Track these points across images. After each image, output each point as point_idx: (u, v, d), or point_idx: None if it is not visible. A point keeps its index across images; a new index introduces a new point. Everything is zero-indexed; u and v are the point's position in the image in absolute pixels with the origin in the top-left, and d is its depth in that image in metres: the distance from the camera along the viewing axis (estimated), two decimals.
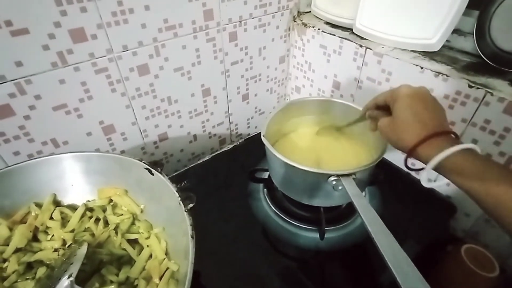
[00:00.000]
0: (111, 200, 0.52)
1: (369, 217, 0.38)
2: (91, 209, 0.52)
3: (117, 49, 0.54)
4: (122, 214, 0.51)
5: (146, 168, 0.47)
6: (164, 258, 0.45)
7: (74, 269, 0.40)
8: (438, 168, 0.34)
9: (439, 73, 0.52)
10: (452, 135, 0.36)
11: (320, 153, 0.59)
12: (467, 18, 0.54)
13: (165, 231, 0.48)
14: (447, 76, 0.52)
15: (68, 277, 0.39)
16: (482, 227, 0.58)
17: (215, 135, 0.81)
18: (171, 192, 0.44)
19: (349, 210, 0.59)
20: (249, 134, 0.88)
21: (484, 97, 0.48)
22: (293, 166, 0.47)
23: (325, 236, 0.54)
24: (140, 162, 0.47)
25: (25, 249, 0.46)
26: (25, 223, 0.48)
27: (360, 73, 0.65)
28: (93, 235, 0.49)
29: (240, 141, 0.79)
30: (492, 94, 0.47)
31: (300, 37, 0.76)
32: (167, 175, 0.46)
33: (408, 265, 0.33)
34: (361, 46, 0.63)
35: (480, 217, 0.57)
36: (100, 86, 0.55)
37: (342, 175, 0.45)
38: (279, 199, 0.62)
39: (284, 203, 0.61)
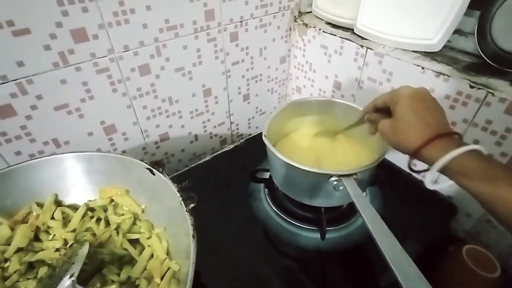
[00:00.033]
0: (112, 200, 0.53)
1: (370, 217, 0.38)
2: (92, 209, 0.52)
3: (118, 49, 0.54)
4: (123, 214, 0.51)
5: (148, 168, 0.47)
6: (166, 258, 0.45)
7: (76, 268, 0.40)
8: (443, 170, 0.34)
9: (440, 73, 0.52)
10: (456, 136, 0.36)
11: (321, 153, 0.59)
12: (468, 19, 0.54)
13: (166, 231, 0.48)
14: (448, 76, 0.51)
15: (70, 277, 0.39)
16: (483, 227, 0.58)
17: (216, 135, 0.81)
18: (172, 192, 0.44)
19: (350, 211, 0.59)
20: (250, 134, 0.88)
21: (485, 97, 0.48)
22: (294, 166, 0.47)
23: (326, 237, 0.54)
24: (141, 162, 0.48)
25: (27, 249, 0.46)
26: (27, 222, 0.48)
27: (361, 73, 0.65)
28: (94, 235, 0.49)
29: (241, 141, 0.79)
30: (493, 95, 0.47)
31: (301, 37, 0.76)
32: (168, 175, 0.46)
33: (409, 265, 0.32)
34: (362, 46, 0.63)
35: (481, 218, 0.57)
36: (101, 86, 0.55)
37: (343, 175, 0.45)
38: (280, 199, 0.62)
39: (285, 203, 0.61)
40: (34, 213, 0.49)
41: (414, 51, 0.58)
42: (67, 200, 0.52)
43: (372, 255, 0.53)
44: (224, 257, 0.53)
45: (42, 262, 0.46)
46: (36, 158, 0.48)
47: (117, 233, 0.49)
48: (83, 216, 0.50)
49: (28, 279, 0.44)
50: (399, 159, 0.65)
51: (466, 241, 0.53)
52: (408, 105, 0.37)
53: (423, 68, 0.54)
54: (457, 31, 0.56)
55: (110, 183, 0.52)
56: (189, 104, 0.70)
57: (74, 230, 0.49)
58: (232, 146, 0.78)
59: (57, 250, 0.47)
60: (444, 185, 0.37)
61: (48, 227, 0.49)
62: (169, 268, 0.44)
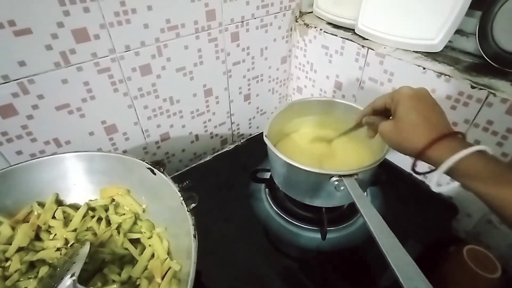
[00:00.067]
0: (113, 200, 0.53)
1: (371, 217, 0.38)
2: (93, 209, 0.52)
3: (120, 49, 0.54)
4: (124, 214, 0.51)
5: (149, 168, 0.47)
6: (166, 258, 0.45)
7: (77, 268, 0.40)
8: (449, 172, 0.33)
9: (442, 73, 0.52)
10: (459, 136, 0.35)
11: (322, 153, 0.59)
12: (469, 19, 0.54)
13: (167, 231, 0.48)
14: (449, 76, 0.51)
15: (71, 276, 0.39)
16: (484, 228, 0.57)
17: (216, 135, 0.81)
18: (173, 192, 0.44)
19: (350, 211, 0.59)
20: (250, 134, 0.88)
21: (486, 97, 0.48)
22: (295, 167, 0.47)
23: (326, 237, 0.54)
24: (142, 162, 0.48)
25: (28, 248, 0.46)
26: (28, 222, 0.48)
27: (362, 73, 0.65)
28: (95, 234, 0.49)
29: (242, 141, 0.79)
30: (495, 95, 0.47)
31: (302, 37, 0.76)
32: (168, 175, 0.46)
33: (410, 265, 0.32)
34: (363, 46, 0.63)
35: (482, 218, 0.57)
36: (103, 86, 0.55)
37: (344, 176, 0.45)
38: (280, 199, 0.62)
39: (285, 203, 0.61)
40: (35, 213, 0.49)
41: (415, 52, 0.58)
42: (68, 200, 0.52)
43: (372, 255, 0.53)
44: (224, 257, 0.53)
45: (43, 262, 0.46)
46: (37, 158, 0.48)
47: (118, 232, 0.49)
48: (84, 216, 0.50)
49: (29, 278, 0.44)
50: (400, 159, 0.65)
51: (467, 242, 0.53)
52: (410, 106, 0.36)
53: (424, 68, 0.54)
54: (459, 31, 0.56)
55: (111, 182, 0.52)
56: (190, 104, 0.70)
57: (75, 230, 0.49)
58: (232, 146, 0.78)
59: (58, 249, 0.47)
60: (449, 187, 0.36)
61: (49, 227, 0.49)
62: (170, 268, 0.44)
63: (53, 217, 0.49)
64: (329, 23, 0.72)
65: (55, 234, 0.48)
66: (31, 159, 0.48)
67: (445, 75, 0.52)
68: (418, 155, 0.35)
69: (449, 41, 0.56)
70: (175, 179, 0.46)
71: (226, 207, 0.62)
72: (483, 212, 0.57)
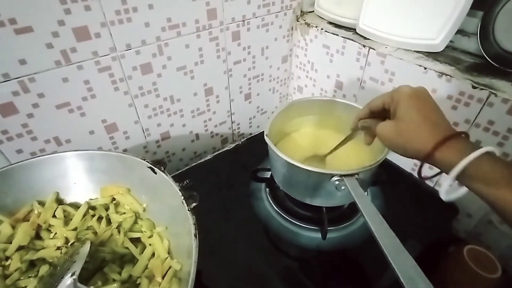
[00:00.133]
0: (113, 199, 0.53)
1: (372, 217, 0.38)
2: (93, 208, 0.52)
3: (121, 47, 0.54)
4: (124, 213, 0.51)
5: (149, 167, 0.47)
6: (167, 257, 0.45)
7: (77, 267, 0.40)
8: (458, 175, 0.30)
9: (443, 73, 0.52)
10: (463, 135, 0.33)
11: (322, 153, 0.59)
12: (471, 19, 0.53)
13: (167, 230, 0.48)
14: (450, 76, 0.51)
15: (71, 275, 0.39)
16: (485, 228, 0.58)
17: (217, 134, 0.81)
18: (174, 191, 0.44)
19: (351, 210, 0.59)
20: (251, 134, 0.88)
21: (487, 98, 0.48)
22: (296, 166, 0.47)
23: (327, 236, 0.54)
24: (143, 161, 0.47)
25: (28, 247, 0.46)
26: (28, 221, 0.48)
27: (363, 73, 0.65)
28: (95, 233, 0.49)
29: (242, 140, 0.79)
30: (496, 95, 0.47)
31: (303, 36, 0.76)
32: (169, 174, 0.46)
33: (411, 265, 0.32)
34: (364, 46, 0.62)
35: (482, 218, 0.57)
36: (103, 84, 0.55)
37: (345, 175, 0.45)
38: (281, 198, 0.62)
39: (286, 202, 0.61)
40: (36, 211, 0.49)
41: (416, 51, 0.58)
42: (69, 199, 0.52)
43: (373, 255, 0.52)
44: (224, 256, 0.53)
45: (43, 261, 0.46)
46: (37, 156, 0.48)
47: (119, 231, 0.49)
48: (85, 215, 0.50)
49: (29, 277, 0.44)
50: (401, 159, 0.65)
51: (467, 242, 0.53)
52: (412, 105, 0.35)
53: (425, 68, 0.54)
54: (460, 31, 0.56)
55: (111, 181, 0.52)
56: (190, 103, 0.70)
57: (75, 229, 0.49)
58: (233, 145, 0.78)
59: (58, 248, 0.47)
60: (458, 195, 0.33)
61: (50, 226, 0.49)
62: (170, 267, 0.44)
63: (54, 216, 0.49)
64: (330, 23, 0.72)
65: (56, 233, 0.48)
66: (32, 158, 0.48)
67: (446, 75, 0.52)
68: (426, 158, 0.33)
69: (451, 41, 0.55)
70: (176, 178, 0.45)
71: (226, 207, 0.62)
72: (484, 212, 0.57)
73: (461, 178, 0.31)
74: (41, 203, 0.50)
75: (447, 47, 0.55)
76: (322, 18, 0.74)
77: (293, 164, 0.47)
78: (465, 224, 0.60)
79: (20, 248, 0.45)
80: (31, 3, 0.43)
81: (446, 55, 0.57)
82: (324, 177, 0.47)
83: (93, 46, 0.51)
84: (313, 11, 0.77)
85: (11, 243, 0.45)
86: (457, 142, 0.32)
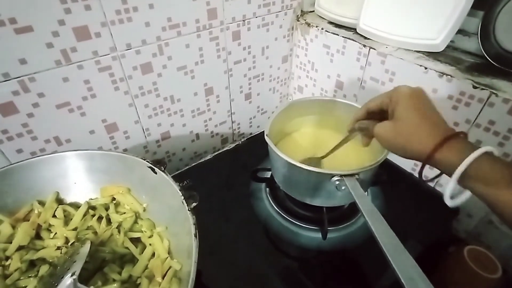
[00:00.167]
0: (113, 199, 0.53)
1: (372, 217, 0.38)
2: (93, 208, 0.52)
3: (121, 47, 0.54)
4: (124, 213, 0.51)
5: (149, 167, 0.47)
6: (167, 257, 0.45)
7: (77, 267, 0.40)
8: (460, 177, 0.30)
9: (443, 73, 0.52)
10: (462, 135, 0.33)
11: (323, 153, 0.59)
12: (471, 19, 0.53)
13: (167, 230, 0.48)
14: (451, 76, 0.51)
15: (71, 275, 0.39)
16: (485, 228, 0.57)
17: (217, 134, 0.80)
18: (174, 191, 0.44)
19: (351, 210, 0.59)
20: (251, 134, 0.88)
21: (488, 98, 0.48)
22: (296, 166, 0.47)
23: (327, 236, 0.54)
24: (143, 160, 0.47)
25: (28, 247, 0.46)
26: (28, 220, 0.48)
27: (364, 73, 0.65)
28: (95, 233, 0.49)
29: (242, 140, 0.79)
30: (496, 95, 0.47)
31: (303, 36, 0.76)
32: (169, 174, 0.46)
33: (411, 265, 0.32)
34: (364, 46, 0.62)
35: (482, 218, 0.57)
36: (103, 84, 0.55)
37: (346, 175, 0.45)
38: (281, 198, 0.62)
39: (286, 202, 0.61)
40: (36, 211, 0.49)
41: (417, 51, 0.58)
42: (69, 198, 0.52)
43: (373, 255, 0.52)
44: (224, 256, 0.53)
45: (43, 261, 0.46)
46: (37, 156, 0.48)
47: (119, 231, 0.49)
48: (85, 215, 0.50)
49: (29, 277, 0.44)
50: (401, 159, 0.64)
51: (468, 242, 0.53)
52: (411, 105, 0.34)
53: (426, 68, 0.54)
54: (461, 31, 0.56)
55: (111, 181, 0.52)
56: (190, 103, 0.70)
57: (75, 229, 0.49)
58: (233, 145, 0.78)
59: (58, 248, 0.47)
60: (462, 199, 0.32)
61: (50, 225, 0.49)
62: (170, 267, 0.44)
63: (54, 216, 0.49)
64: (331, 22, 0.72)
65: (56, 233, 0.48)
66: (32, 158, 0.48)
67: (447, 75, 0.52)
68: (427, 159, 0.32)
69: (451, 41, 0.55)
70: (176, 178, 0.45)
71: (226, 207, 0.62)
72: (484, 213, 0.57)
73: (461, 179, 0.30)
74: (41, 203, 0.49)
75: (447, 47, 0.55)
76: (322, 18, 0.74)
77: (293, 164, 0.47)
78: (465, 224, 0.60)
79: (20, 248, 0.45)
80: (31, 3, 0.43)
81: (447, 55, 0.57)
82: (324, 177, 0.47)
83: (94, 45, 0.51)
84: (313, 11, 0.77)
85: (11, 243, 0.45)
86: (457, 142, 0.32)
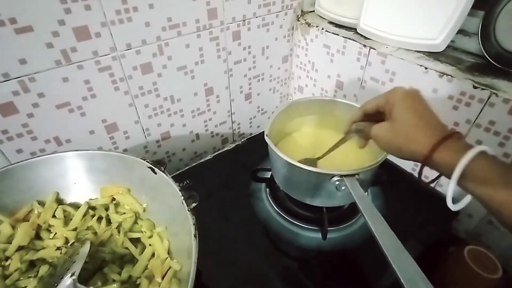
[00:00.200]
0: (113, 199, 0.53)
1: (372, 217, 0.38)
2: (93, 208, 0.52)
3: (121, 47, 0.54)
4: (124, 213, 0.51)
5: (149, 167, 0.47)
6: (167, 257, 0.45)
7: (77, 267, 0.40)
8: (459, 179, 0.30)
9: (444, 73, 0.52)
10: (457, 135, 0.33)
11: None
12: (472, 19, 0.53)
13: (167, 230, 0.48)
14: (451, 76, 0.51)
15: (71, 276, 0.39)
16: (485, 228, 0.57)
17: (217, 134, 0.80)
18: (174, 191, 0.44)
19: (351, 211, 0.59)
20: (251, 134, 0.88)
21: (489, 98, 0.48)
22: (296, 166, 0.47)
23: (327, 236, 0.54)
24: (143, 161, 0.47)
25: (28, 247, 0.46)
26: (28, 221, 0.48)
27: (364, 73, 0.65)
28: (95, 233, 0.49)
29: (243, 140, 0.79)
30: (497, 95, 0.47)
31: (303, 36, 0.76)
32: (169, 174, 0.46)
33: (411, 265, 0.32)
34: (365, 46, 0.62)
35: (483, 219, 0.57)
36: (103, 84, 0.55)
37: (346, 175, 0.45)
38: (281, 199, 0.62)
39: (286, 203, 0.61)
40: (35, 212, 0.49)
41: (417, 51, 0.58)
42: (68, 199, 0.52)
43: (373, 255, 0.52)
44: (224, 256, 0.53)
45: (43, 261, 0.46)
46: (37, 156, 0.48)
47: (118, 232, 0.49)
48: (84, 215, 0.50)
49: (29, 277, 0.44)
50: (401, 160, 0.64)
51: (468, 242, 0.53)
52: (408, 106, 0.35)
53: (426, 68, 0.54)
54: (461, 31, 0.56)
55: (111, 181, 0.52)
56: (190, 103, 0.70)
57: (75, 229, 0.49)
58: (233, 145, 0.78)
59: (58, 248, 0.47)
60: (465, 202, 0.32)
61: (49, 226, 0.49)
62: (170, 268, 0.44)
63: (53, 216, 0.49)
64: (331, 22, 0.72)
65: (55, 233, 0.48)
66: (32, 158, 0.48)
67: (447, 75, 0.52)
68: (425, 159, 0.32)
69: (451, 41, 0.55)
70: (176, 178, 0.45)
71: (226, 207, 0.62)
72: (484, 213, 0.57)
73: (459, 179, 0.30)
74: (41, 203, 0.49)
75: (448, 47, 0.55)
76: (322, 17, 0.74)
77: (293, 164, 0.47)
78: (465, 224, 0.60)
79: (20, 248, 0.45)
80: (31, 3, 0.43)
81: (447, 55, 0.57)
82: (324, 177, 0.47)
83: (94, 45, 0.51)
84: (313, 11, 0.77)
85: (11, 243, 0.45)
86: (453, 142, 0.32)
